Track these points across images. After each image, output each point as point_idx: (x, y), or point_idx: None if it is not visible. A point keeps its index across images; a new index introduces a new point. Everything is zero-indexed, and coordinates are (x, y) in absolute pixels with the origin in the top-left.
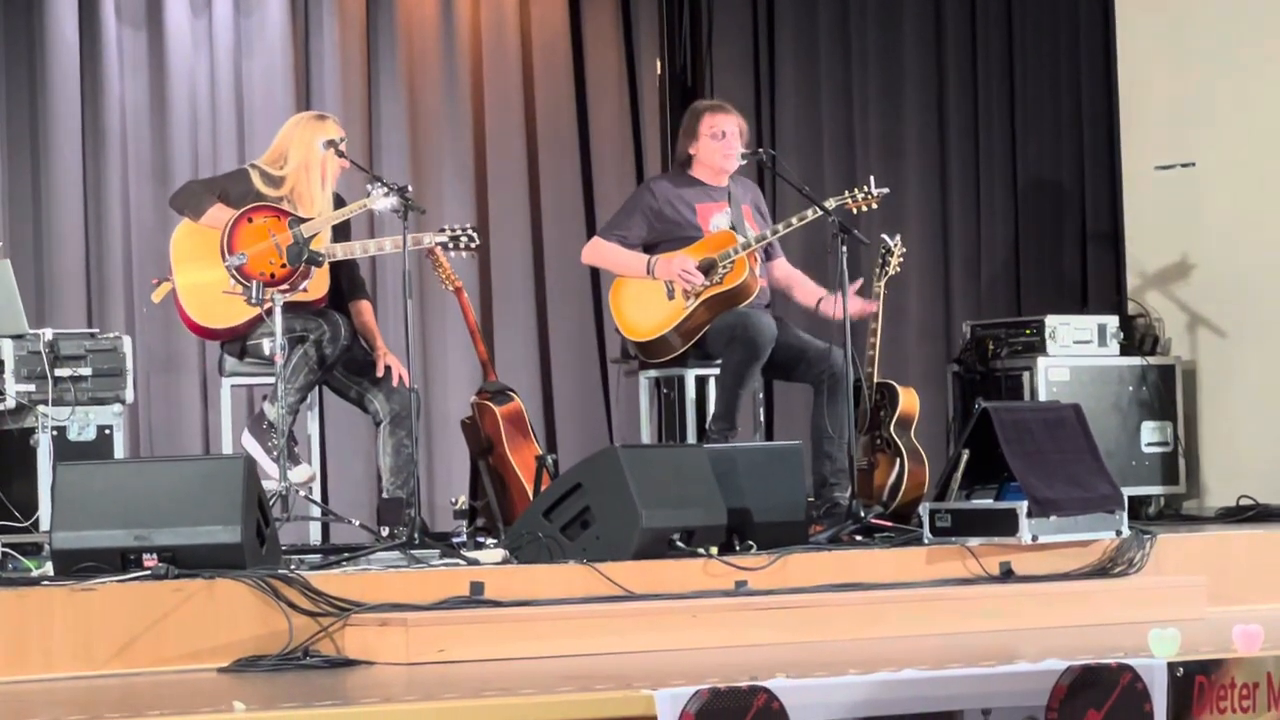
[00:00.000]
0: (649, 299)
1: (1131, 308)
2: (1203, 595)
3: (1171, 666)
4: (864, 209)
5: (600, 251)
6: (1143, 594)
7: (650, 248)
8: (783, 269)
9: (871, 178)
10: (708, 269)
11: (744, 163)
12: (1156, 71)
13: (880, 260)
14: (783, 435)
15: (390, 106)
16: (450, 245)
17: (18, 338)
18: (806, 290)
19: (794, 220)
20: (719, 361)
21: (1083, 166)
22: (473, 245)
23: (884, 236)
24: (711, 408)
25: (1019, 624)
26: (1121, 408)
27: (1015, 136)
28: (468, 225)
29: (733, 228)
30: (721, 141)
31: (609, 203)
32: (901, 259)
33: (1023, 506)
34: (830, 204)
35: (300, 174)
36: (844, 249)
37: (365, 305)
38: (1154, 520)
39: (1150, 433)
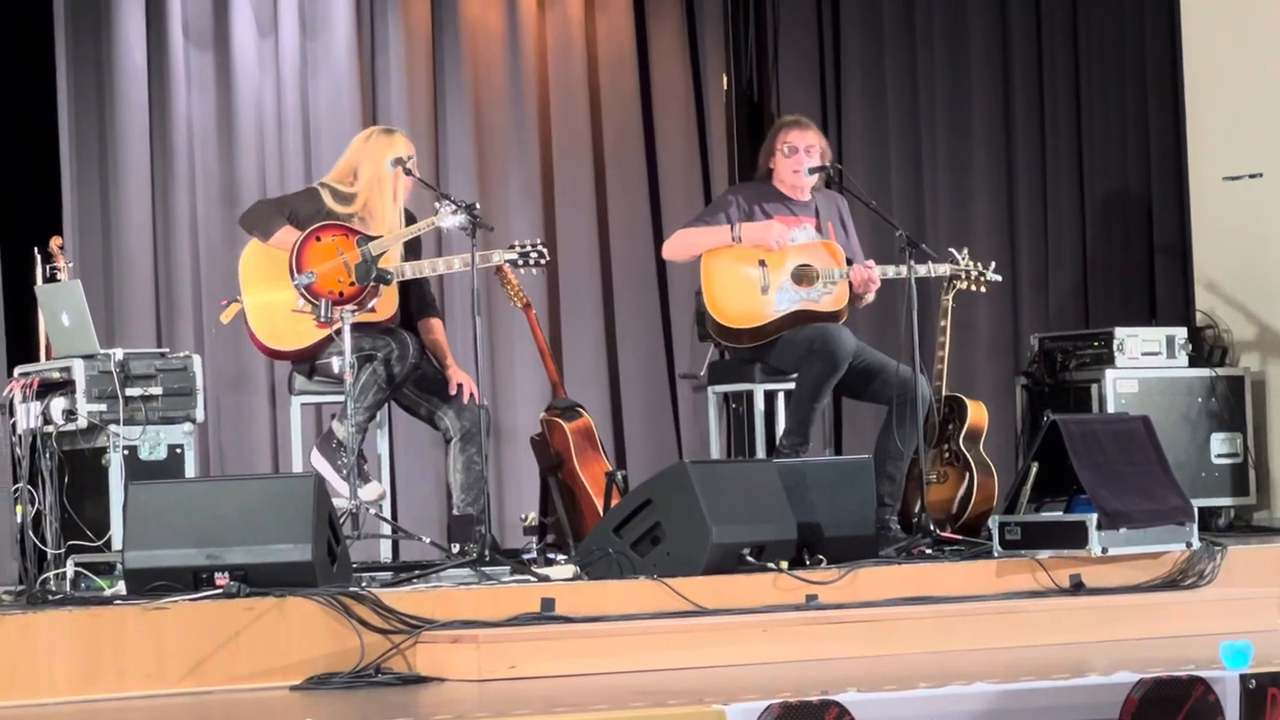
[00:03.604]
0: (743, 285)
1: (1200, 319)
2: (1274, 607)
3: (1244, 679)
4: (976, 288)
5: (680, 236)
6: (1214, 606)
7: None
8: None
9: (993, 264)
10: (807, 277)
11: (812, 179)
12: (1223, 82)
13: (948, 275)
14: (852, 450)
15: (457, 124)
16: (520, 262)
17: (89, 358)
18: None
19: (902, 270)
20: (792, 377)
21: (1150, 178)
22: (542, 261)
23: (951, 251)
24: (780, 424)
25: (1090, 637)
26: (1191, 419)
27: (1082, 149)
28: (537, 241)
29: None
30: (790, 158)
31: (676, 217)
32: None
33: (1092, 519)
34: (942, 270)
35: (372, 189)
36: (912, 262)
37: (436, 323)
38: (1224, 532)
39: (1220, 444)
